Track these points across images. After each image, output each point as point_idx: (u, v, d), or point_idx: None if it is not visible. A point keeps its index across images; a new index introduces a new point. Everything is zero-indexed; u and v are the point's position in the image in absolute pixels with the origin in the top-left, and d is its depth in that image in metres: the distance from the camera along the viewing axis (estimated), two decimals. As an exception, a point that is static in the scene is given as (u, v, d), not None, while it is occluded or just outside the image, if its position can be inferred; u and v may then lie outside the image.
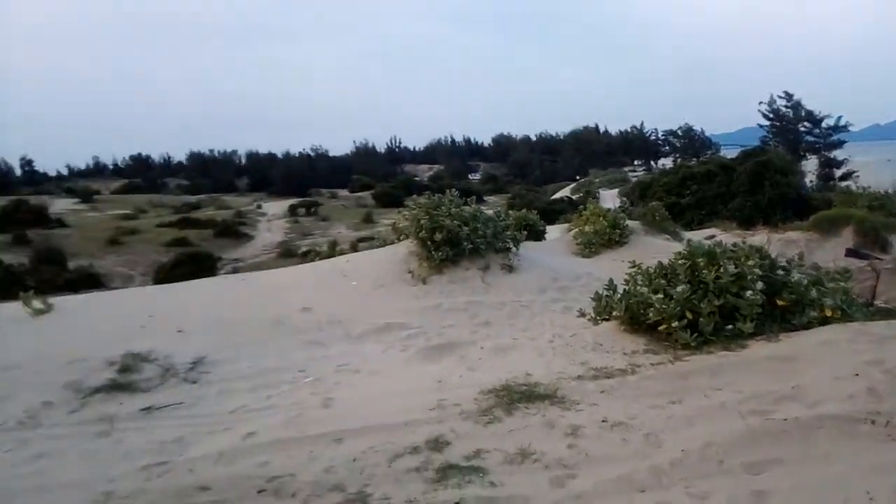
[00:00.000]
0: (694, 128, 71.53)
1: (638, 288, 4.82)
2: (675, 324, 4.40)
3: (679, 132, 72.04)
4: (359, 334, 5.60)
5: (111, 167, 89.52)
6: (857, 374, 3.38)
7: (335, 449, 3.31)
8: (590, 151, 74.19)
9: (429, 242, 6.64)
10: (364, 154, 78.73)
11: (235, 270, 21.92)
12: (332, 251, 13.09)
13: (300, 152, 79.03)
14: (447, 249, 6.65)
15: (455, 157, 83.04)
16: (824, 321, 4.40)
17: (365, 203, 48.36)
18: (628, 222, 9.54)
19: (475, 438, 3.31)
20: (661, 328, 4.51)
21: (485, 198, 39.21)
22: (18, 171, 74.90)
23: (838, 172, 40.11)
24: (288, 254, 27.66)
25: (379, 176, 62.44)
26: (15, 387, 4.28)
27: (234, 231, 35.28)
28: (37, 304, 6.24)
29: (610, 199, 29.68)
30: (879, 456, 2.64)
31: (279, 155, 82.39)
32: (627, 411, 3.44)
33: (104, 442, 3.55)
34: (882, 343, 3.82)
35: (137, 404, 4.06)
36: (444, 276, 6.70)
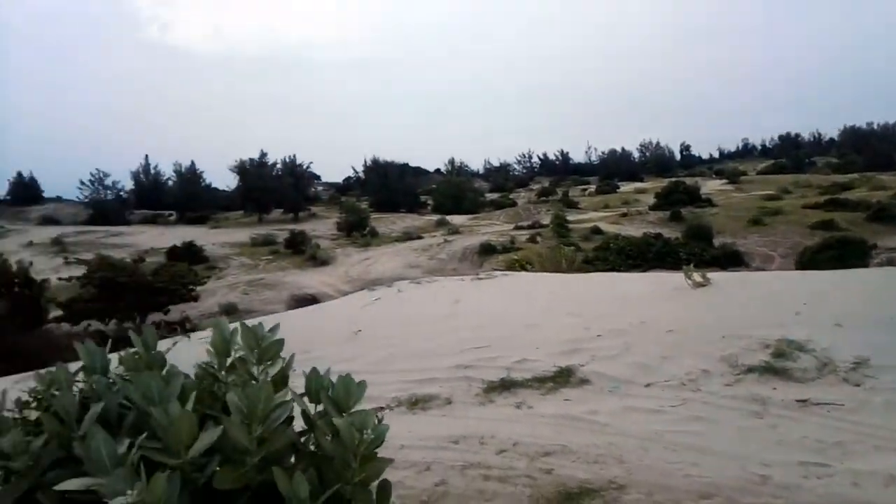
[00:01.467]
0: None
1: None
2: None
3: None
4: None
5: (759, 148, 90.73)
6: None
7: None
8: None
9: None
10: None
11: (890, 262, 18.69)
12: None
13: None
14: None
15: None
16: None
17: None
18: None
19: None
20: None
21: None
22: (678, 156, 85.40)
23: None
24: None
25: None
26: (679, 349, 4.83)
27: (891, 215, 30.01)
28: (697, 277, 6.89)
29: None
30: None
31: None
32: None
33: (758, 423, 3.56)
34: None
35: (792, 393, 3.90)
36: None
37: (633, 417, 3.75)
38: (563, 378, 4.51)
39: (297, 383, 1.65)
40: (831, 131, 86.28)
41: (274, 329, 1.92)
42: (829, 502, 2.67)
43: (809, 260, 17.24)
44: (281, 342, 1.87)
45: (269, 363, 1.83)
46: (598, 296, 7.29)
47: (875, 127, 78.64)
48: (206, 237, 35.33)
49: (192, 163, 56.48)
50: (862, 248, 19.45)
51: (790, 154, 76.22)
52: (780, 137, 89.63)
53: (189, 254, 28.69)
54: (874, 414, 3.57)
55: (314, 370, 1.73)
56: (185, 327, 15.23)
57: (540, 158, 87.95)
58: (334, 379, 1.72)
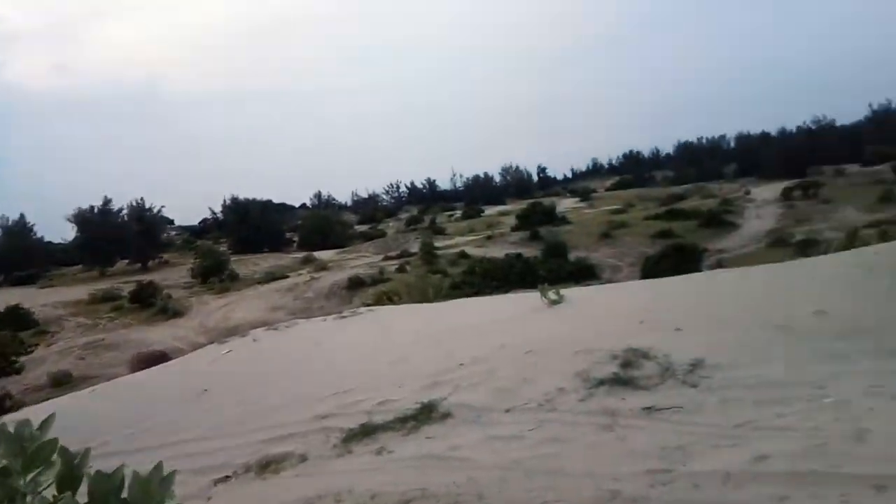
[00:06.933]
0: None
1: None
2: None
3: None
4: (897, 349, 4.38)
5: (606, 166, 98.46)
6: None
7: (877, 498, 2.59)
8: None
9: None
10: (884, 118, 63.46)
11: (720, 263, 20.99)
12: (851, 241, 10.93)
13: (798, 126, 69.64)
14: None
15: None
16: None
17: (883, 178, 39.48)
18: None
19: None
20: None
21: None
22: (535, 178, 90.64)
23: None
24: (780, 243, 25.07)
25: (906, 142, 49.46)
26: (536, 370, 4.93)
27: (719, 220, 33.94)
28: (552, 294, 7.16)
29: None
30: None
31: (773, 133, 74.86)
32: None
33: (608, 436, 3.68)
34: None
35: (639, 402, 4.09)
36: None
37: (493, 447, 3.73)
38: (425, 415, 4.40)
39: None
40: (667, 147, 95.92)
41: (45, 424, 1.58)
42: (674, 508, 2.77)
43: (651, 268, 18.80)
44: (54, 442, 1.54)
45: (40, 469, 1.51)
46: (462, 322, 7.34)
47: (704, 141, 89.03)
48: (35, 298, 31.55)
49: (21, 215, 50.33)
50: (695, 253, 21.62)
51: (633, 170, 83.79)
52: (624, 155, 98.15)
53: (14, 319, 25.13)
54: (710, 413, 3.81)
55: (98, 473, 1.45)
56: (3, 406, 13.18)
57: (408, 187, 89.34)
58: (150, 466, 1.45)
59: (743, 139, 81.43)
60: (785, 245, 24.02)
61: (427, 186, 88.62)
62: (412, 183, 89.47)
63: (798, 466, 2.94)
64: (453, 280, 19.58)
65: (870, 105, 68.21)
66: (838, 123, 67.90)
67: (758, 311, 5.45)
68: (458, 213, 59.52)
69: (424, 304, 9.51)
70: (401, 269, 27.91)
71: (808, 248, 19.44)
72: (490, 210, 58.00)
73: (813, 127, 66.42)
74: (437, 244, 34.97)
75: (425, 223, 51.09)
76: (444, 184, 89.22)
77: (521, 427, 3.96)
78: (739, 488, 2.85)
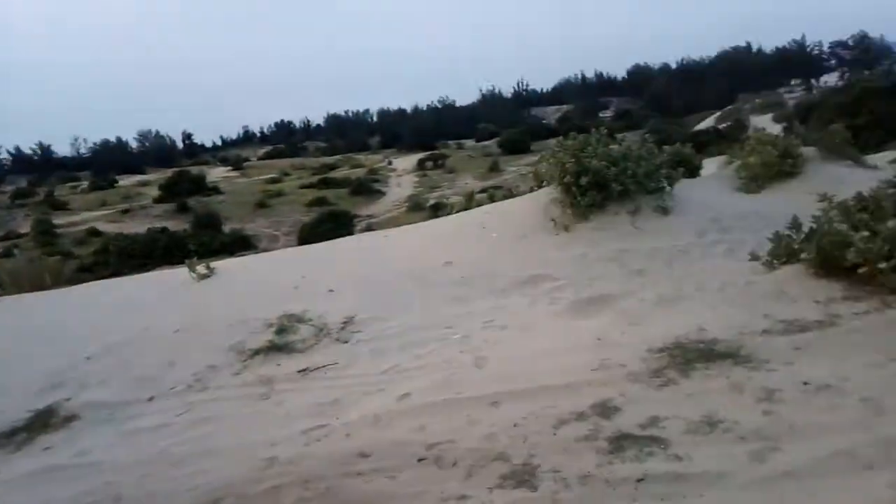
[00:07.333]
0: (870, 35, 62.93)
1: (834, 225, 4.03)
2: (882, 265, 3.64)
3: (850, 42, 63.49)
4: (502, 288, 5.32)
5: (258, 135, 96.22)
6: None
7: (493, 413, 3.08)
8: (740, 74, 66.88)
9: (573, 188, 6.13)
10: (490, 101, 77.16)
11: (369, 227, 22.81)
12: (469, 203, 12.90)
13: (428, 105, 79.67)
14: (594, 194, 6.10)
15: (585, 95, 78.72)
16: None
17: (490, 152, 47.92)
18: (802, 150, 8.24)
19: (648, 403, 2.92)
20: (861, 270, 3.77)
21: (617, 135, 37.32)
22: (180, 145, 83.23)
23: None
24: (417, 207, 28.40)
25: (505, 122, 60.94)
26: (185, 350, 4.52)
27: (368, 188, 36.63)
28: (200, 269, 6.64)
29: (763, 126, 26.93)
30: None
31: (408, 110, 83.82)
32: (835, 371, 2.88)
33: (265, 404, 3.60)
34: None
35: (295, 365, 4.10)
36: (589, 223, 6.20)
37: (133, 443, 3.28)
38: (40, 423, 3.63)
39: None
40: (318, 118, 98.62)
41: None
42: (329, 460, 2.84)
43: (308, 235, 19.25)
44: None
45: None
46: (88, 309, 6.28)
47: (351, 114, 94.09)
48: None
49: None
50: (348, 218, 22.92)
51: (286, 140, 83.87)
52: (276, 124, 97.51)
53: None
54: (362, 364, 4.04)
55: None
56: None
57: (11, 153, 72.50)
58: None
59: (384, 114, 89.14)
60: (421, 209, 27.29)
61: (39, 153, 73.57)
62: (17, 148, 73.15)
63: (432, 397, 3.33)
64: (81, 262, 16.80)
65: (480, 89, 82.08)
66: (458, 104, 79.92)
67: (399, 266, 5.99)
68: (85, 184, 51.09)
69: (37, 294, 7.84)
70: (6, 254, 22.65)
71: (438, 210, 22.50)
72: (126, 180, 51.34)
73: (440, 106, 76.78)
74: (57, 221, 29.49)
75: (40, 196, 42.42)
76: (63, 150, 75.43)
77: (166, 415, 3.59)
78: (387, 427, 3.08)
